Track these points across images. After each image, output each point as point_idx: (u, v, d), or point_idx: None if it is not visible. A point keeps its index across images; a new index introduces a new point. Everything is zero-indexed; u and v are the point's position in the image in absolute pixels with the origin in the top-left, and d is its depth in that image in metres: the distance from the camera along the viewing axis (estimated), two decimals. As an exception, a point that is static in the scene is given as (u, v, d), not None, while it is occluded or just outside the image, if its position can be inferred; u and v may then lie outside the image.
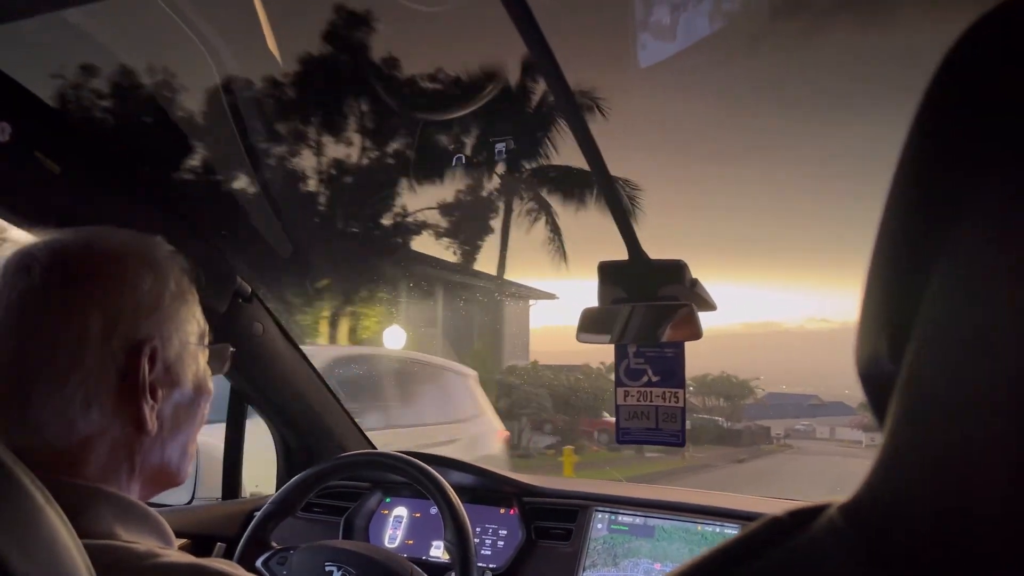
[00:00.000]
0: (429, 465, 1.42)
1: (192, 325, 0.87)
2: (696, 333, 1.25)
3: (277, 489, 1.57)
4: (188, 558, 0.73)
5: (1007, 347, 0.27)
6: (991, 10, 0.30)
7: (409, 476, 1.42)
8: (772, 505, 1.52)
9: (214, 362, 0.93)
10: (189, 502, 1.97)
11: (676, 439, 1.29)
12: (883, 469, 0.32)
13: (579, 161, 1.13)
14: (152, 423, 0.79)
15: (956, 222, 0.29)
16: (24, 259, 0.78)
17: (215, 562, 0.74)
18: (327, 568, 1.28)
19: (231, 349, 1.00)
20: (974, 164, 0.29)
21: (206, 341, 0.90)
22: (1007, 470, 0.27)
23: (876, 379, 0.34)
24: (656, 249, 1.23)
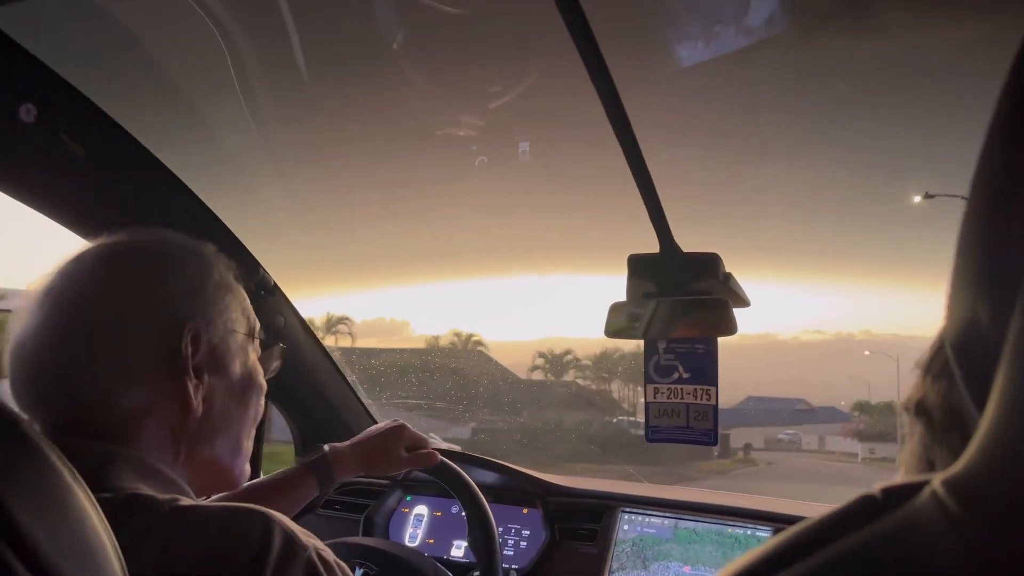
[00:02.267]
0: (455, 461, 1.39)
1: (237, 315, 0.88)
2: (730, 328, 1.21)
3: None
4: (216, 503, 0.75)
5: None
6: None
7: (432, 472, 1.39)
8: (807, 508, 1.47)
9: (266, 360, 0.95)
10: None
11: (708, 438, 1.26)
12: (993, 442, 0.30)
13: (606, 155, 1.10)
14: (197, 403, 0.81)
15: None
16: (77, 253, 0.82)
17: (249, 504, 0.73)
18: (350, 565, 1.26)
19: (282, 346, 1.01)
20: None
21: (257, 336, 0.92)
22: None
23: (973, 348, 0.32)
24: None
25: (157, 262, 0.83)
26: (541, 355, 26.26)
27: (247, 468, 0.91)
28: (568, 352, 27.17)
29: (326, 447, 1.24)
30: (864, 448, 23.44)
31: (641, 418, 1.31)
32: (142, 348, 0.79)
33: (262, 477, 1.21)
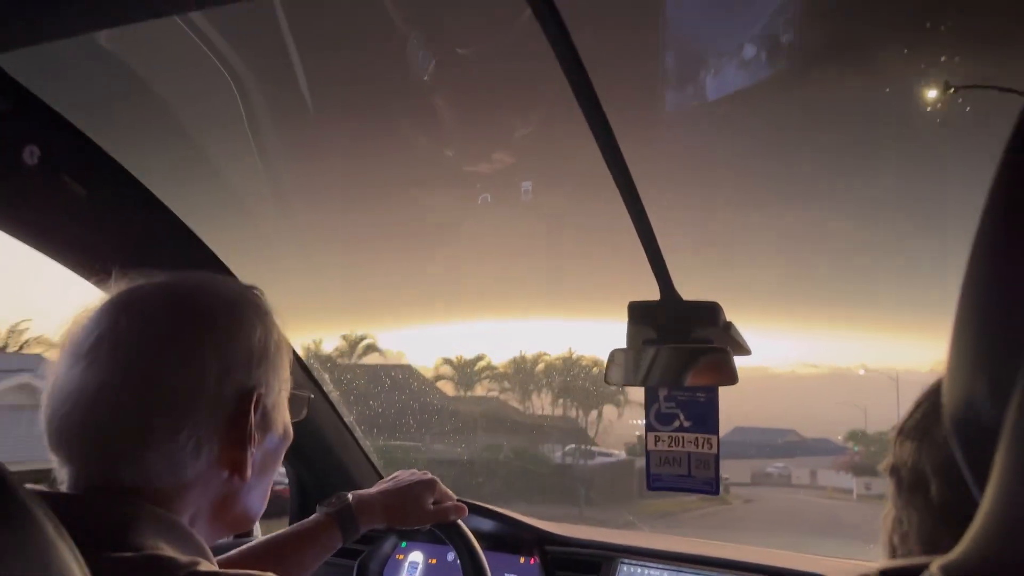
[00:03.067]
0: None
1: (287, 373, 0.88)
2: (731, 378, 1.20)
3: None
4: (234, 570, 0.73)
5: None
6: None
7: (452, 541, 1.36)
8: (810, 562, 1.44)
9: (294, 408, 0.94)
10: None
11: (710, 487, 1.24)
12: (992, 527, 0.28)
13: (607, 199, 1.09)
14: (250, 471, 0.80)
15: None
16: (140, 301, 0.79)
17: (249, 572, 0.72)
18: None
19: (310, 396, 1.00)
20: None
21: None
22: None
23: (971, 425, 0.30)
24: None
25: (230, 321, 0.81)
26: (447, 361, 22.28)
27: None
28: (480, 358, 22.84)
29: (349, 495, 1.21)
30: (859, 483, 21.00)
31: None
32: (213, 416, 0.77)
33: (282, 531, 1.18)
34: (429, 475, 1.32)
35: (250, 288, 0.88)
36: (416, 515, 1.25)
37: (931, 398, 0.75)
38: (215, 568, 0.73)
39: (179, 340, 0.77)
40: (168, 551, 0.71)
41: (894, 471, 0.76)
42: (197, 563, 0.70)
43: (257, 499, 0.85)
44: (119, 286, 0.82)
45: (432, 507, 1.27)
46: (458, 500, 1.33)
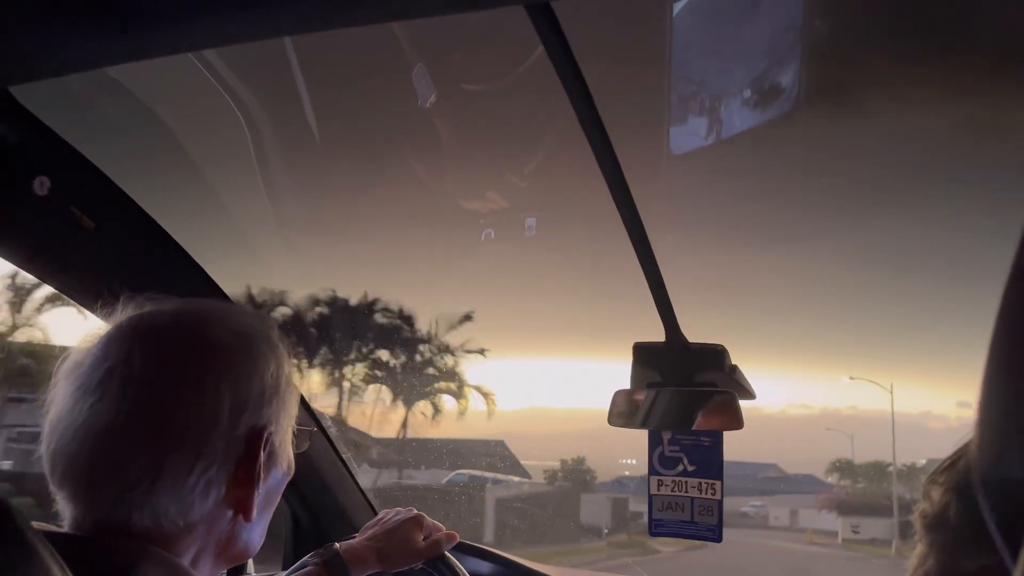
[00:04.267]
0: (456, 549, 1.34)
1: (295, 409, 0.86)
2: (736, 422, 1.19)
3: (284, 567, 1.49)
4: None
5: None
6: None
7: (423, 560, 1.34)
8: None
9: (298, 441, 0.92)
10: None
11: (713, 534, 1.22)
12: None
13: (612, 238, 1.09)
14: (256, 511, 0.78)
15: None
16: (153, 332, 0.76)
17: None
18: None
19: (313, 429, 0.98)
20: None
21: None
22: None
23: (1002, 488, 0.30)
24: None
25: (245, 356, 0.78)
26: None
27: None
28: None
29: (337, 545, 1.18)
30: (845, 524, 17.95)
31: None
32: (225, 456, 0.74)
33: None
34: (414, 511, 1.29)
35: (262, 318, 0.85)
36: (408, 554, 1.23)
37: (964, 453, 0.74)
38: None
39: (194, 376, 0.74)
40: None
41: (924, 516, 0.75)
42: None
43: (258, 536, 0.84)
44: (126, 313, 0.79)
45: (423, 543, 1.25)
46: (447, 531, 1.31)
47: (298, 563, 1.17)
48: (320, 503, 1.79)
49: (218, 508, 0.75)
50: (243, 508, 0.77)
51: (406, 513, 1.28)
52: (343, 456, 1.86)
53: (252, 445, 0.76)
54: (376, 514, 1.88)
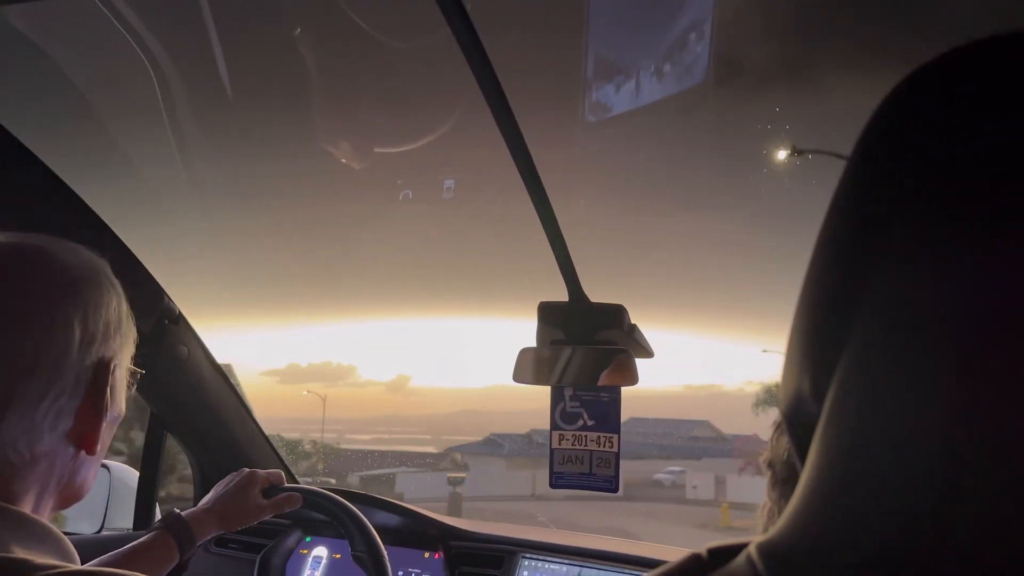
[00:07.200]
0: (354, 503, 1.37)
1: (133, 348, 0.85)
2: (632, 379, 1.25)
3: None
4: (89, 569, 0.71)
5: (924, 389, 0.27)
6: (926, 63, 0.31)
7: (327, 512, 1.37)
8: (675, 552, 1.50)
9: (130, 383, 0.89)
10: (99, 531, 1.85)
11: (610, 485, 1.28)
12: (802, 509, 0.32)
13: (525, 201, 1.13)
14: (100, 446, 0.77)
15: (877, 268, 0.30)
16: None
17: (117, 571, 0.69)
18: None
19: (143, 371, 0.96)
20: (892, 212, 0.30)
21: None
22: (931, 517, 0.27)
23: (799, 419, 0.34)
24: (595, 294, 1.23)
25: (92, 288, 0.77)
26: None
27: None
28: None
29: (182, 512, 1.21)
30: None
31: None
32: (76, 388, 0.73)
33: (117, 550, 1.16)
34: (246, 470, 1.33)
35: (99, 256, 0.83)
36: (248, 512, 1.28)
37: None
38: (77, 567, 0.69)
39: (44, 305, 0.73)
40: (21, 553, 0.68)
41: (770, 465, 0.81)
42: (55, 568, 0.66)
43: (92, 475, 0.82)
44: None
45: (264, 501, 1.29)
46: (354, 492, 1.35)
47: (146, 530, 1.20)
48: (229, 457, 1.79)
49: (60, 443, 0.74)
50: (88, 442, 0.76)
51: (237, 474, 1.32)
52: (253, 414, 1.86)
53: (100, 377, 0.76)
54: (285, 465, 1.90)
